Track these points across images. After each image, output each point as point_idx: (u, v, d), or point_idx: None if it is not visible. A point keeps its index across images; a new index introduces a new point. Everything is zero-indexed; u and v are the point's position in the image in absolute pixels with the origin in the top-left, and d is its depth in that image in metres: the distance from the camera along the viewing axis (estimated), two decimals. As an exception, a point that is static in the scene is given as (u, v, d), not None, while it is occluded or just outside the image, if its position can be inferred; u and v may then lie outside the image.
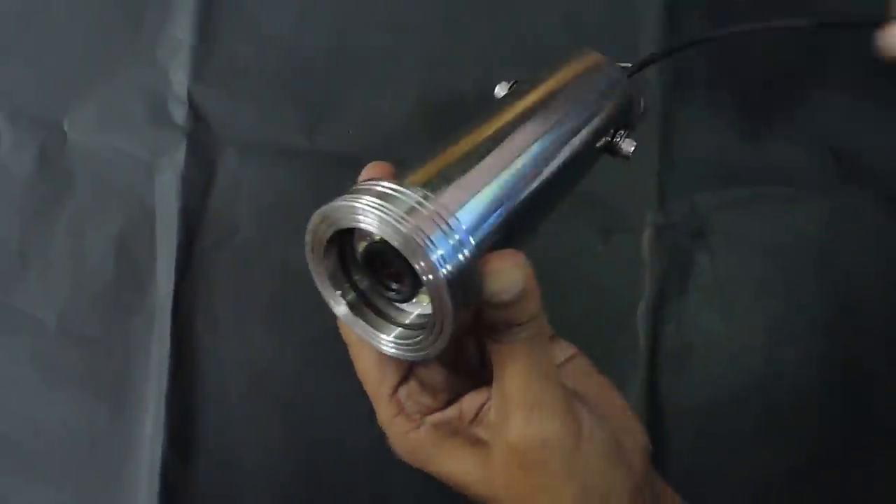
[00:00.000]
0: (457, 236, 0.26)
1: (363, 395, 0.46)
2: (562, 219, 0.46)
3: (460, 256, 0.26)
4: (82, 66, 0.47)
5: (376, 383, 0.31)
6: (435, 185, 0.27)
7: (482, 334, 0.28)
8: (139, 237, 0.47)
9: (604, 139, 0.37)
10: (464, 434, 0.31)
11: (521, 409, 0.27)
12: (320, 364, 0.47)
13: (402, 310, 0.30)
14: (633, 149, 0.38)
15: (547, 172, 0.31)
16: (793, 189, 0.47)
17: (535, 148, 0.31)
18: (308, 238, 0.29)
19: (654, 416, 0.46)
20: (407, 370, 0.31)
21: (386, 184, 0.27)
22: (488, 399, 0.31)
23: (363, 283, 0.30)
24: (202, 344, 0.47)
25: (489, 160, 0.29)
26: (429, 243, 0.25)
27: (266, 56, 0.47)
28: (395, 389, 0.31)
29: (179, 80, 0.47)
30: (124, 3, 0.47)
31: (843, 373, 0.46)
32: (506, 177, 0.29)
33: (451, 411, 0.31)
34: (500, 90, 0.40)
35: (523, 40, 0.47)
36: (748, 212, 0.47)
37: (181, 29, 0.47)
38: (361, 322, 0.30)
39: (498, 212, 0.29)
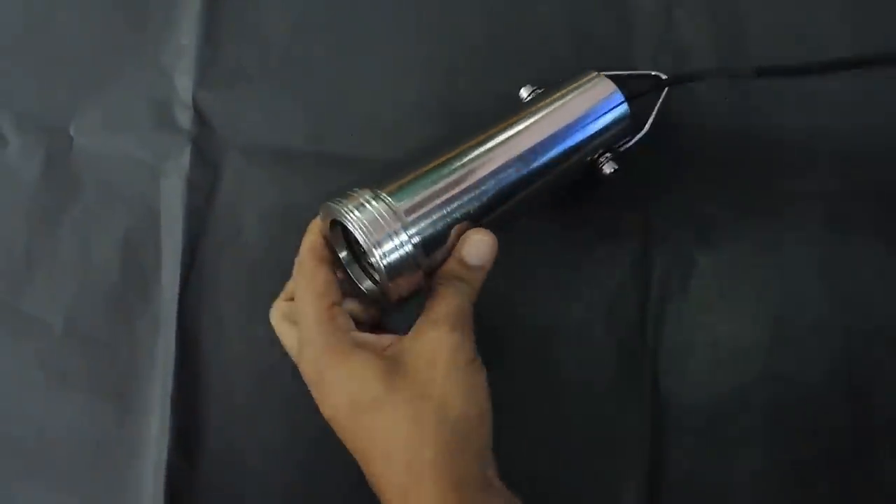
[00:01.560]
0: (395, 226, 0.35)
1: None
2: (564, 219, 0.47)
3: (397, 244, 0.35)
4: (88, 72, 0.48)
5: (320, 294, 0.37)
6: (390, 187, 0.37)
7: (433, 278, 0.37)
8: (145, 240, 0.47)
9: (586, 160, 0.42)
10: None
11: (434, 323, 0.35)
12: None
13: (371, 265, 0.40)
14: (613, 171, 0.40)
15: (500, 189, 0.39)
16: (793, 188, 0.47)
17: (496, 167, 0.39)
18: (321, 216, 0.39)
19: (657, 415, 0.46)
20: (340, 298, 0.38)
21: (356, 190, 0.37)
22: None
23: (353, 250, 0.40)
24: (207, 346, 0.47)
25: (445, 173, 0.38)
26: (368, 230, 0.35)
27: (269, 60, 0.48)
28: (331, 306, 0.37)
29: (184, 84, 0.48)
30: (128, 10, 0.48)
31: (844, 372, 0.46)
32: (452, 182, 0.38)
33: (367, 335, 0.38)
34: (525, 92, 0.44)
35: (524, 44, 0.48)
36: (749, 211, 0.47)
37: (185, 34, 0.48)
38: (351, 270, 0.40)
39: (443, 212, 0.37)
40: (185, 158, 0.47)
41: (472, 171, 0.38)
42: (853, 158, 0.47)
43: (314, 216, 0.47)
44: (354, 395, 0.35)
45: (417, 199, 0.36)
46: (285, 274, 0.47)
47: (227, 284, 0.47)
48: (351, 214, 0.35)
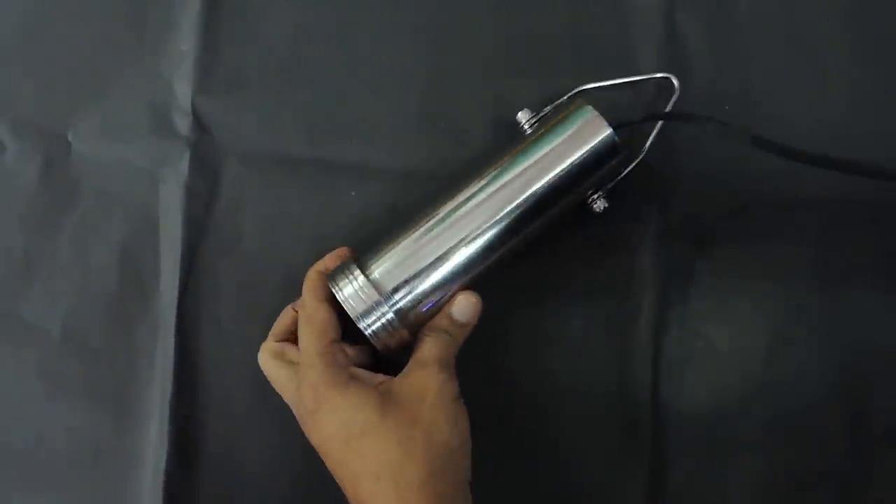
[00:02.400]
0: (376, 299, 0.40)
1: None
2: (563, 230, 0.47)
3: (378, 315, 0.41)
4: (86, 78, 0.48)
5: (322, 331, 0.40)
6: (376, 259, 0.41)
7: (421, 330, 0.41)
8: (143, 247, 0.47)
9: (575, 199, 0.43)
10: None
11: (423, 365, 0.40)
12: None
13: None
14: (604, 208, 0.41)
15: (482, 251, 0.41)
16: (792, 198, 0.47)
17: (475, 233, 0.41)
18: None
19: (657, 422, 0.46)
20: (339, 336, 0.41)
21: (346, 265, 0.42)
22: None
23: None
24: (206, 352, 0.47)
25: (427, 244, 0.41)
26: (352, 306, 0.41)
27: (268, 66, 0.47)
28: (330, 343, 0.40)
29: (183, 91, 0.47)
30: (128, 16, 0.48)
31: (844, 377, 0.46)
32: (431, 250, 0.41)
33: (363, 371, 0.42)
34: (523, 116, 0.44)
35: (524, 48, 0.47)
36: (747, 218, 0.47)
37: (184, 41, 0.47)
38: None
39: (423, 280, 0.41)
40: (183, 165, 0.47)
41: (451, 237, 0.41)
42: (848, 161, 0.47)
43: (312, 223, 0.47)
44: (349, 421, 0.38)
45: (398, 271, 0.41)
46: (284, 280, 0.47)
47: (226, 291, 0.47)
48: (339, 292, 0.41)
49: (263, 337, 0.47)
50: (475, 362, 0.47)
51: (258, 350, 0.46)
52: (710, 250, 0.47)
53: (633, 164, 0.44)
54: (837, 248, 0.47)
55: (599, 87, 0.45)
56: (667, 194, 0.47)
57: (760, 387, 0.46)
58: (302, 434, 0.47)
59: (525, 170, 0.41)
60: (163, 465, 0.46)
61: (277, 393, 0.47)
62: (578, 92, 0.44)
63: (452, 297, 0.41)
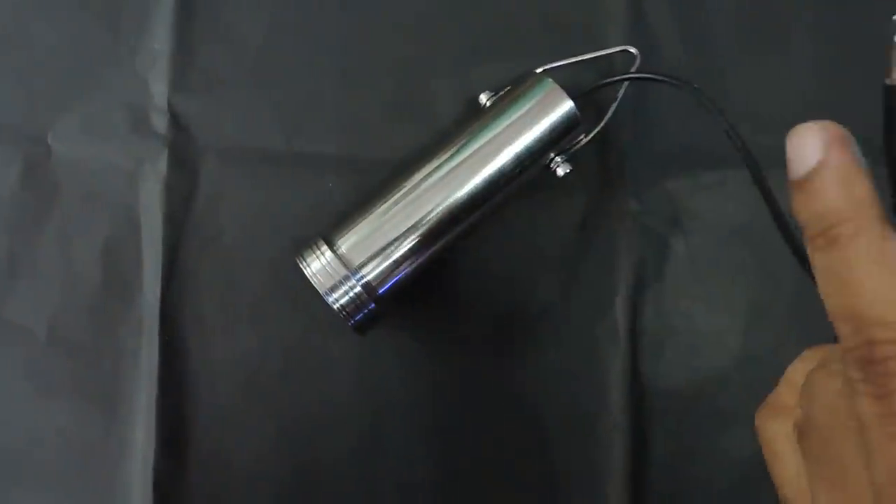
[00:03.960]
0: (343, 274, 0.41)
1: (350, 391, 0.47)
2: (537, 209, 0.48)
3: (345, 289, 0.41)
4: (64, 81, 0.48)
5: None
6: (343, 233, 0.42)
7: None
8: (125, 245, 0.48)
9: (537, 166, 0.43)
10: None
11: None
12: (308, 362, 0.48)
13: None
14: (567, 172, 0.41)
15: (446, 220, 0.42)
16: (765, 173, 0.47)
17: (438, 201, 0.42)
18: None
19: (637, 399, 0.47)
20: None
21: (313, 240, 0.43)
22: None
23: None
24: (191, 347, 0.48)
25: (394, 214, 0.42)
26: (320, 281, 0.41)
27: (243, 62, 0.48)
28: None
29: (159, 90, 0.48)
30: (102, 18, 0.48)
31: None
32: (396, 223, 0.42)
33: None
34: (485, 98, 0.45)
35: (494, 33, 0.48)
36: (720, 195, 0.47)
37: (158, 40, 0.48)
38: None
39: (389, 250, 0.42)
40: (162, 163, 0.48)
41: (416, 210, 0.42)
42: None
43: (292, 216, 0.48)
44: None
45: (365, 245, 0.42)
46: (265, 273, 0.48)
47: (209, 286, 0.48)
48: (307, 268, 0.42)
49: (246, 329, 0.48)
50: (447, 342, 0.48)
51: (242, 341, 0.47)
52: (685, 226, 0.47)
53: (598, 129, 0.45)
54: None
55: (562, 65, 0.45)
56: (639, 172, 0.47)
57: (739, 360, 0.47)
58: (288, 424, 0.48)
59: (486, 143, 0.42)
60: (151, 460, 0.47)
61: (263, 383, 0.48)
62: (542, 72, 0.45)
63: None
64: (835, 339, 0.23)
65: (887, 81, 0.26)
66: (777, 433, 0.28)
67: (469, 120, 0.44)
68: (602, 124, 0.45)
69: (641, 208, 0.47)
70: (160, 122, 0.48)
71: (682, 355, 0.47)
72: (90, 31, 0.48)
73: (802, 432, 0.26)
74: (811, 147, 0.22)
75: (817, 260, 0.23)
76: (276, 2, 0.48)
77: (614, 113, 0.46)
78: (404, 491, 0.47)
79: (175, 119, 0.48)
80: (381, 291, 0.42)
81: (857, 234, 0.21)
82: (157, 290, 0.47)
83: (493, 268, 0.47)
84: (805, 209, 0.23)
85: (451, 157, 0.43)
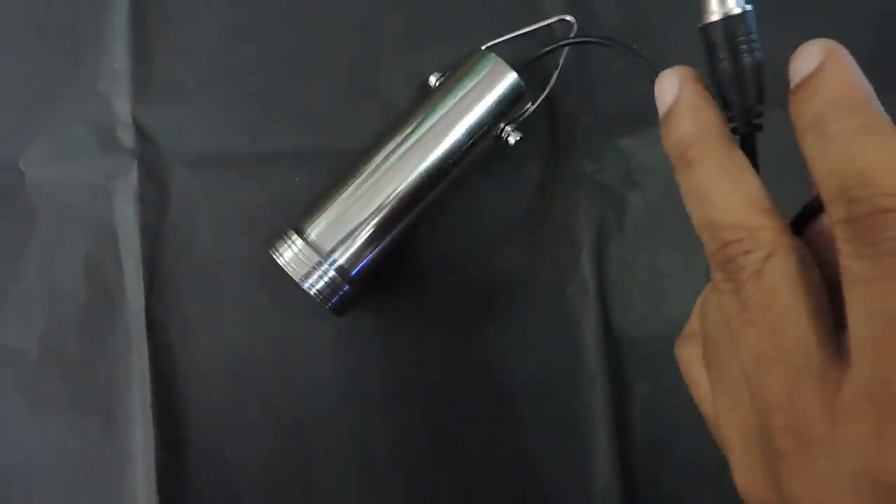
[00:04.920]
0: (316, 260, 0.43)
1: (336, 374, 0.49)
2: (496, 180, 0.50)
3: (319, 273, 0.43)
4: (29, 108, 0.50)
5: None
6: (311, 220, 0.44)
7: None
8: (105, 259, 0.49)
9: (489, 137, 0.45)
10: None
11: None
12: (293, 350, 0.49)
13: None
14: (517, 140, 0.44)
15: (407, 198, 0.44)
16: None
17: (398, 181, 0.44)
18: None
19: (612, 353, 0.49)
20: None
21: (282, 230, 0.45)
22: None
23: None
24: (179, 349, 0.49)
25: (359, 199, 0.44)
26: (299, 271, 0.43)
27: (200, 71, 0.50)
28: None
29: (122, 106, 0.50)
30: (60, 44, 0.50)
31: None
32: (360, 205, 0.44)
33: None
34: (434, 79, 0.47)
35: (439, 16, 0.50)
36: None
37: (117, 59, 0.50)
38: None
39: (358, 232, 0.44)
40: (132, 176, 0.49)
41: (379, 192, 0.44)
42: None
43: (262, 213, 0.49)
44: None
45: (333, 230, 0.44)
46: (242, 271, 0.49)
47: (191, 289, 0.49)
48: (280, 257, 0.44)
49: (231, 326, 0.49)
50: (424, 316, 0.49)
51: (228, 338, 0.49)
52: (639, 180, 0.50)
53: (543, 96, 0.47)
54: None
55: (504, 40, 0.47)
56: (590, 134, 0.49)
57: (705, 301, 0.49)
58: (281, 415, 0.49)
59: (439, 120, 0.44)
60: (153, 463, 0.48)
61: (253, 377, 0.49)
62: (486, 48, 0.47)
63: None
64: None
65: (699, 25, 0.29)
66: (690, 358, 0.29)
67: (421, 101, 0.46)
68: (546, 91, 0.47)
69: (596, 168, 0.49)
70: (127, 137, 0.50)
71: (650, 302, 0.49)
72: (49, 57, 0.50)
73: (703, 348, 0.28)
74: (668, 88, 0.26)
75: (680, 181, 0.26)
76: (227, 8, 0.50)
77: (560, 80, 0.48)
78: (398, 468, 0.49)
79: (141, 132, 0.50)
80: (353, 273, 0.44)
81: (705, 154, 0.24)
82: (141, 298, 0.49)
83: (460, 241, 0.49)
84: (666, 139, 0.26)
85: (407, 137, 0.45)
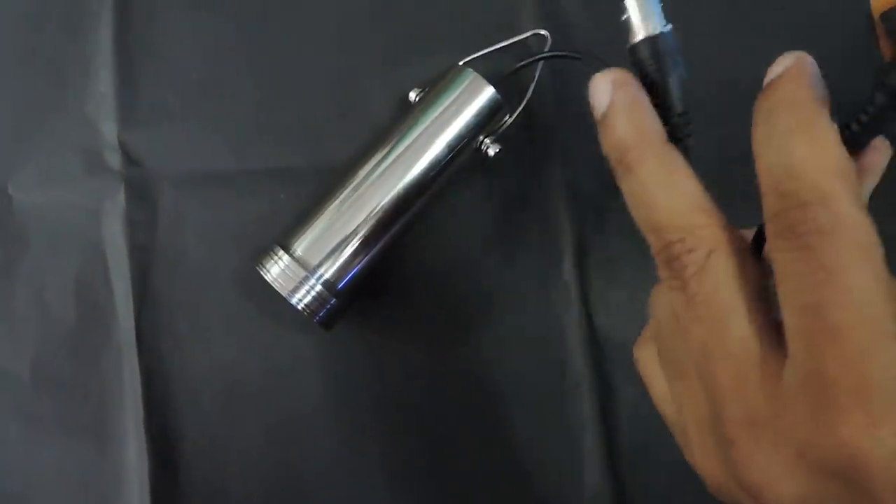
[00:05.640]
0: (302, 274, 0.44)
1: (327, 386, 0.50)
2: (478, 192, 0.51)
3: (306, 288, 0.44)
4: (17, 134, 0.51)
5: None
6: (297, 236, 0.45)
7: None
8: (95, 280, 0.50)
9: (468, 150, 0.47)
10: None
11: None
12: (283, 364, 0.50)
13: None
14: (497, 152, 0.45)
15: (390, 213, 0.45)
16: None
17: (380, 198, 0.45)
18: None
19: (597, 357, 0.49)
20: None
21: (268, 247, 0.45)
22: None
23: None
24: (171, 366, 0.50)
25: (344, 216, 0.45)
26: (281, 284, 0.44)
27: (186, 92, 0.51)
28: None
29: (109, 129, 0.51)
30: (46, 71, 0.51)
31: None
32: (344, 221, 0.45)
33: None
34: (414, 95, 0.48)
35: (419, 32, 0.51)
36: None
37: (103, 83, 0.51)
38: None
39: (343, 247, 0.45)
40: (120, 197, 0.50)
41: (362, 207, 0.45)
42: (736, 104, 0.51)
43: (249, 230, 0.50)
44: None
45: (319, 245, 0.45)
46: (230, 287, 0.50)
47: (180, 306, 0.50)
48: (267, 273, 0.45)
49: (221, 342, 0.50)
50: (411, 327, 0.50)
51: (219, 355, 0.49)
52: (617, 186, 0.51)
53: (520, 109, 0.49)
54: (736, 164, 0.50)
55: (481, 55, 0.49)
56: (568, 144, 0.51)
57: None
58: (274, 426, 0.50)
59: (419, 135, 0.45)
60: (147, 481, 0.49)
61: (244, 391, 0.50)
62: (463, 63, 0.48)
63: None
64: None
65: (627, 46, 0.31)
66: (646, 359, 0.31)
67: (402, 116, 0.47)
68: (524, 104, 0.48)
69: (575, 177, 0.50)
70: (114, 160, 0.51)
71: (631, 302, 0.50)
72: (36, 82, 0.51)
73: (657, 347, 0.29)
74: (602, 91, 0.27)
75: (622, 185, 0.27)
76: (209, 31, 0.51)
77: (536, 92, 0.49)
78: (388, 477, 0.50)
79: (128, 155, 0.51)
80: (339, 286, 0.45)
81: (643, 159, 0.26)
82: (131, 317, 0.50)
83: (444, 251, 0.50)
84: (605, 143, 0.27)
85: (389, 152, 0.46)
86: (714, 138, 0.49)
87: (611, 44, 0.50)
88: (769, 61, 0.26)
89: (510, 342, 0.50)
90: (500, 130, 0.47)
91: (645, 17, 0.29)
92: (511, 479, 0.50)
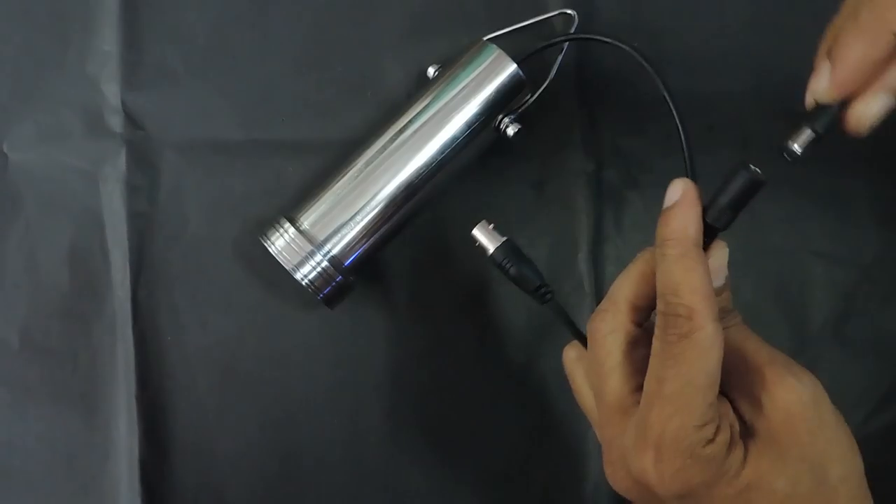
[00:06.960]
0: (308, 249, 0.42)
1: (326, 366, 0.48)
2: (495, 175, 0.49)
3: (312, 264, 0.42)
4: (15, 91, 0.49)
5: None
6: (305, 210, 0.43)
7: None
8: (91, 246, 0.48)
9: (487, 128, 0.45)
10: None
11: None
12: (282, 342, 0.48)
13: None
14: (516, 131, 0.43)
15: (403, 191, 0.44)
16: (710, 120, 0.49)
17: (394, 174, 0.44)
18: None
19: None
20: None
21: (277, 219, 0.44)
22: None
23: None
24: (166, 340, 0.48)
25: (352, 190, 0.44)
26: (291, 260, 0.42)
27: (192, 56, 0.49)
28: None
29: (112, 90, 0.48)
30: (49, 25, 0.49)
31: (776, 287, 0.49)
32: (354, 197, 0.43)
33: None
34: (432, 71, 0.47)
35: (437, 8, 0.49)
36: (669, 147, 0.49)
37: (107, 41, 0.49)
38: None
39: (351, 224, 0.43)
40: (121, 162, 0.48)
41: (373, 182, 0.43)
42: (762, 89, 0.49)
43: (254, 202, 0.48)
44: None
45: (327, 219, 0.43)
46: (232, 260, 0.48)
47: (179, 279, 0.48)
48: (272, 245, 0.43)
49: (219, 316, 0.48)
50: (416, 310, 0.49)
51: (216, 329, 0.48)
52: (638, 178, 0.49)
53: (543, 87, 0.46)
54: (756, 164, 0.49)
55: (504, 32, 0.47)
56: (590, 131, 0.49)
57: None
58: (268, 409, 0.48)
59: (437, 111, 0.44)
60: (136, 455, 0.47)
61: (240, 370, 0.48)
62: (486, 40, 0.46)
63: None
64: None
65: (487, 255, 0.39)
66: (576, 373, 0.38)
67: (419, 92, 0.45)
68: (547, 83, 0.46)
69: (595, 166, 0.49)
70: (116, 122, 0.48)
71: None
72: (38, 39, 0.49)
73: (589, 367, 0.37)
74: (674, 191, 0.35)
75: (658, 263, 0.33)
76: (220, -5, 0.49)
77: (560, 75, 0.47)
78: (387, 463, 0.48)
79: (130, 118, 0.48)
80: (346, 264, 0.43)
81: (675, 251, 0.33)
82: (127, 287, 0.48)
83: (456, 235, 0.49)
84: (659, 229, 0.34)
85: (405, 128, 0.44)
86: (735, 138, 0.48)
87: (639, 28, 0.49)
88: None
89: (517, 331, 0.49)
90: (521, 110, 0.45)
91: (489, 239, 0.38)
92: (513, 472, 0.49)
